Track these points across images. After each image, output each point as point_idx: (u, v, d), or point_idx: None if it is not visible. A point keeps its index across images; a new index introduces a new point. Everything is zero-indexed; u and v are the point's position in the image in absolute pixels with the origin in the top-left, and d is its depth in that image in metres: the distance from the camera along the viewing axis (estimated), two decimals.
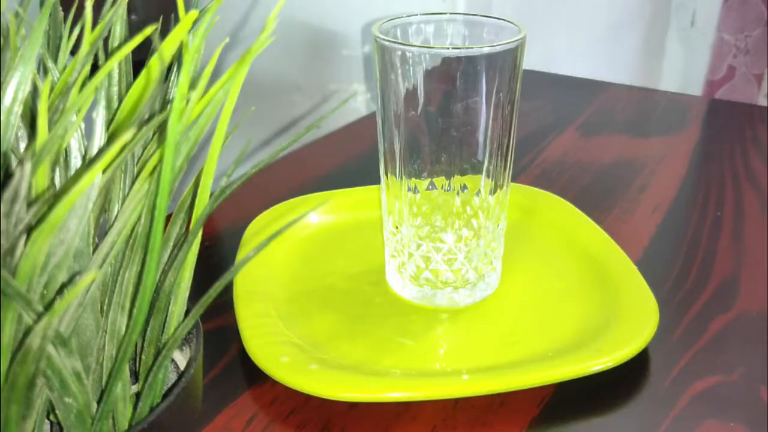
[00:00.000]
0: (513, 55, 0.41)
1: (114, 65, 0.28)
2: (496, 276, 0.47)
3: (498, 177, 0.44)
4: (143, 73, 0.25)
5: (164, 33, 0.25)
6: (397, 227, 0.46)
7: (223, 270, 0.48)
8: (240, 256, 0.48)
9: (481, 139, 0.42)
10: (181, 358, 0.32)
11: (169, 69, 0.28)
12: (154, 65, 0.25)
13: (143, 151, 0.28)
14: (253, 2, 0.63)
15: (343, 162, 0.68)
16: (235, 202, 0.57)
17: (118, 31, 0.30)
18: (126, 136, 0.20)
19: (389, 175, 0.45)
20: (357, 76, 0.80)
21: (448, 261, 0.45)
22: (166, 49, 0.24)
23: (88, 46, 0.25)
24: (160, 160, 0.24)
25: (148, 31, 0.23)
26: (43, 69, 0.27)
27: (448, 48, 0.41)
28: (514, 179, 0.46)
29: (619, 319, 0.42)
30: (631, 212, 0.58)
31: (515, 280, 0.48)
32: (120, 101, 0.28)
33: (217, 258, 0.50)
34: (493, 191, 0.44)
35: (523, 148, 0.69)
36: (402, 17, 0.45)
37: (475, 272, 0.45)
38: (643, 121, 0.77)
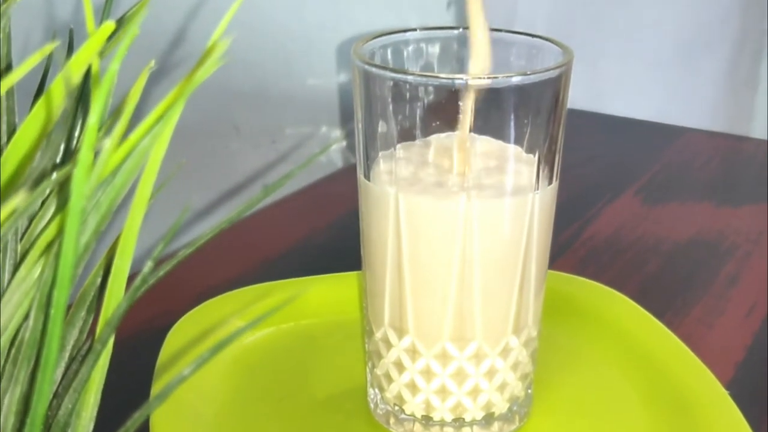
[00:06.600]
0: (554, 87, 0.41)
1: None
2: (527, 402, 0.47)
3: None
4: (35, 111, 0.26)
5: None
6: (384, 332, 0.46)
7: (134, 389, 0.48)
8: (158, 384, 0.47)
9: None
10: None
11: (74, 106, 0.29)
12: (53, 99, 0.25)
13: (30, 222, 0.28)
14: (190, 13, 0.64)
15: (306, 237, 0.68)
16: (152, 289, 0.56)
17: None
18: (14, 202, 0.20)
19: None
20: (328, 114, 0.81)
21: (457, 381, 0.45)
22: (71, 76, 0.25)
23: None
24: (59, 235, 0.24)
25: (48, 49, 0.23)
26: None
27: (460, 77, 0.41)
28: (552, 264, 0.46)
29: None
30: (717, 313, 0.58)
31: (553, 408, 0.48)
32: None
33: (125, 372, 0.49)
34: None
35: (564, 219, 0.69)
36: (394, 33, 0.46)
37: (498, 396, 0.45)
38: (731, 182, 0.78)
